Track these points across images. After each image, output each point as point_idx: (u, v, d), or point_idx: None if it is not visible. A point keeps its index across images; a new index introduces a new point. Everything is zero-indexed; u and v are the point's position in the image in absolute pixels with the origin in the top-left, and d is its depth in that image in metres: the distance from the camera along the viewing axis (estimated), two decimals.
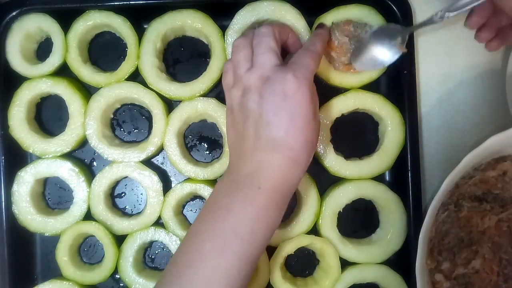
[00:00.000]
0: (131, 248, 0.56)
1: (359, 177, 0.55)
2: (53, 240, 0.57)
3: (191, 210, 0.59)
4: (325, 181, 0.58)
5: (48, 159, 0.56)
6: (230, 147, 0.47)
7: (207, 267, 0.41)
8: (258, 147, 0.43)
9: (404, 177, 0.54)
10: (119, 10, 0.55)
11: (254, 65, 0.45)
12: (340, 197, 0.55)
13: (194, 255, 0.42)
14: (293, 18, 0.55)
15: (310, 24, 0.55)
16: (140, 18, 0.58)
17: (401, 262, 0.55)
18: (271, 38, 0.46)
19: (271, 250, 0.55)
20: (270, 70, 0.44)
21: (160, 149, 0.57)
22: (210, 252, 0.41)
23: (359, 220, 0.59)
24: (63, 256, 0.56)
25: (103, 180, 0.56)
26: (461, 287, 0.50)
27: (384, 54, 0.51)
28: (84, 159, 0.59)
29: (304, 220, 0.55)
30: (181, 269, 0.42)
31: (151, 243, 0.59)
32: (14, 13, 0.55)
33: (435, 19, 0.47)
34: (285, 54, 0.52)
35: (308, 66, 0.45)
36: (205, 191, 0.56)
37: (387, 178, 0.59)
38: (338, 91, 0.56)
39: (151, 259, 0.59)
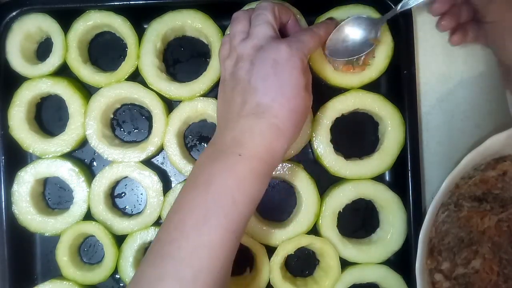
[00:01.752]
0: (131, 248, 0.56)
1: (359, 177, 0.55)
2: (53, 240, 0.57)
3: None
4: (325, 181, 0.58)
5: (48, 159, 0.56)
6: (218, 118, 0.47)
7: (190, 243, 0.40)
8: (242, 113, 0.43)
9: (404, 177, 0.54)
10: (119, 10, 0.55)
11: (250, 36, 0.45)
12: (340, 197, 0.55)
13: (176, 232, 0.41)
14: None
15: (310, 24, 0.55)
16: (140, 18, 0.58)
17: (401, 262, 0.55)
18: (269, 12, 0.46)
19: (271, 250, 0.55)
20: (264, 40, 0.44)
21: (160, 149, 0.57)
22: (192, 227, 0.40)
23: (359, 220, 0.59)
24: (63, 256, 0.56)
25: (103, 180, 0.56)
26: (461, 287, 0.50)
27: (357, 44, 0.52)
28: (84, 159, 0.59)
29: (304, 220, 0.55)
30: (164, 246, 0.41)
31: (151, 243, 0.59)
32: (14, 13, 0.55)
33: (397, 9, 0.50)
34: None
35: (306, 42, 0.45)
36: None
37: (387, 178, 0.59)
38: (338, 91, 0.56)
39: None
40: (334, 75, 0.55)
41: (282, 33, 0.50)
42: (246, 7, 0.54)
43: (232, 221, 0.41)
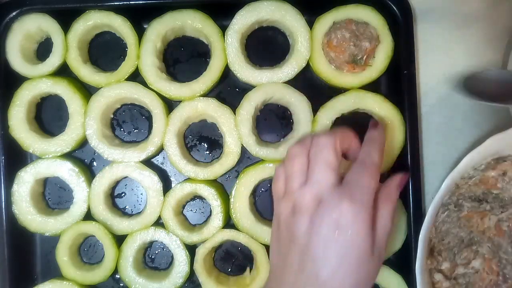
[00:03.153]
0: (131, 248, 0.56)
1: None
2: (53, 240, 0.57)
3: (191, 210, 0.59)
4: None
5: (48, 159, 0.56)
6: (271, 259, 0.44)
7: None
8: (299, 282, 0.39)
9: None
10: (119, 10, 0.55)
11: (309, 181, 0.41)
12: None
13: None
14: (293, 18, 0.55)
15: (310, 24, 0.55)
16: (140, 18, 0.58)
17: (401, 262, 0.55)
18: (330, 151, 0.41)
19: None
20: (325, 191, 0.40)
21: (160, 149, 0.57)
22: None
23: None
24: (63, 256, 0.56)
25: (103, 180, 0.56)
26: (461, 287, 0.50)
27: None
28: (84, 159, 0.59)
29: None
30: None
31: (151, 243, 0.59)
32: (14, 13, 0.55)
33: None
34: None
35: (367, 186, 0.40)
36: (205, 191, 0.56)
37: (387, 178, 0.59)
38: (338, 91, 0.56)
39: (151, 259, 0.59)
40: (334, 75, 0.55)
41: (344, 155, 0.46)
42: (246, 7, 0.55)
43: None
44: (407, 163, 0.54)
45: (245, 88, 0.57)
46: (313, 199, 0.40)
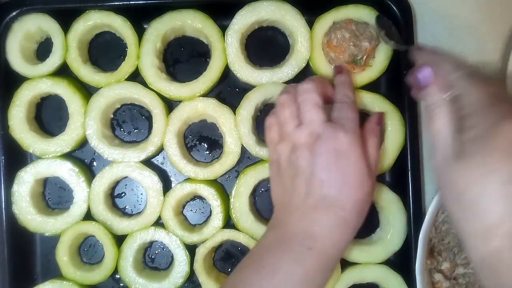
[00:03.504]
0: (131, 248, 0.56)
1: None
2: (53, 240, 0.57)
3: (191, 210, 0.59)
4: None
5: (48, 159, 0.56)
6: (275, 200, 0.47)
7: None
8: (309, 204, 0.43)
9: (404, 177, 0.54)
10: (119, 10, 0.55)
11: (303, 122, 0.45)
12: None
13: None
14: (293, 18, 0.55)
15: (310, 24, 0.55)
16: (140, 18, 0.58)
17: (401, 262, 0.55)
18: (316, 94, 0.46)
19: None
20: (319, 127, 0.44)
21: (160, 149, 0.57)
22: None
23: None
24: (63, 256, 0.56)
25: (103, 180, 0.56)
26: (461, 287, 0.50)
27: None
28: (84, 159, 0.59)
29: None
30: None
31: (151, 243, 0.59)
32: (14, 13, 0.55)
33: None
34: None
35: (353, 118, 0.45)
36: (205, 191, 0.56)
37: (387, 178, 0.59)
38: None
39: (151, 259, 0.59)
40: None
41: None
42: (246, 7, 0.55)
43: None
44: (407, 163, 0.54)
45: (245, 88, 0.57)
46: (310, 136, 0.44)
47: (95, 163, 0.60)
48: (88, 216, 0.56)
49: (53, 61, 0.56)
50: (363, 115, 0.58)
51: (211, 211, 0.56)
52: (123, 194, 0.59)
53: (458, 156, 0.37)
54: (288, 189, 0.45)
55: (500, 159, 0.35)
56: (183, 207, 0.59)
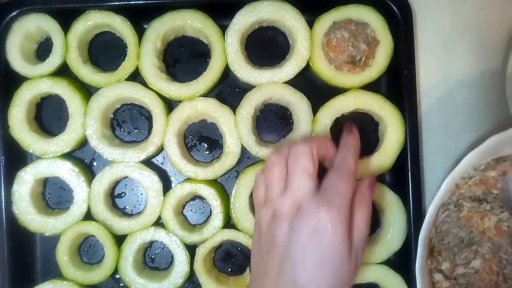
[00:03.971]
0: (131, 248, 0.56)
1: (359, 177, 0.55)
2: (53, 240, 0.57)
3: (191, 210, 0.59)
4: None
5: (48, 159, 0.56)
6: (252, 266, 0.46)
7: None
8: (280, 284, 0.41)
9: (404, 177, 0.54)
10: (119, 10, 0.55)
11: (288, 188, 0.43)
12: None
13: None
14: (293, 18, 0.55)
15: (310, 24, 0.55)
16: (140, 18, 0.58)
17: (401, 262, 0.55)
18: (308, 158, 0.43)
19: None
20: (303, 198, 0.41)
21: (160, 149, 0.57)
22: None
23: None
24: (63, 256, 0.56)
25: (103, 180, 0.56)
26: (461, 287, 0.50)
27: None
28: (84, 159, 0.59)
29: None
30: None
31: (151, 243, 0.59)
32: (14, 13, 0.55)
33: None
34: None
35: (343, 192, 0.42)
36: (205, 191, 0.56)
37: (387, 178, 0.59)
38: (338, 91, 0.56)
39: (151, 259, 0.59)
40: (334, 75, 0.55)
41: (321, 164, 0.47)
42: (246, 7, 0.55)
43: None
44: (407, 163, 0.54)
45: (245, 88, 0.57)
46: (292, 206, 0.42)
47: (95, 163, 0.60)
48: (88, 216, 0.56)
49: (53, 61, 0.56)
50: (363, 115, 0.58)
51: (211, 211, 0.56)
52: (123, 194, 0.59)
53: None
54: (263, 259, 0.43)
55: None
56: (183, 207, 0.59)
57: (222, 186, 0.59)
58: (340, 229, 0.40)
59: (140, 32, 0.56)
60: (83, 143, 0.58)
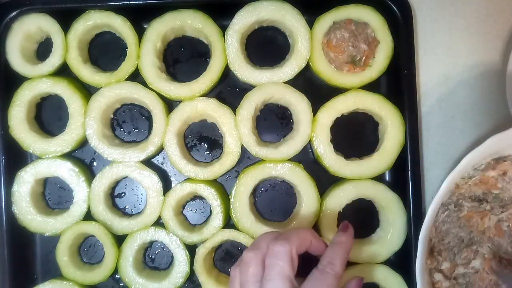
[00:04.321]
0: (131, 248, 0.56)
1: (359, 177, 0.55)
2: (53, 240, 0.57)
3: (191, 210, 0.59)
4: (325, 181, 0.58)
5: (48, 159, 0.56)
6: None
7: None
8: None
9: (404, 177, 0.54)
10: (119, 10, 0.55)
11: None
12: (340, 197, 0.55)
13: None
14: (293, 18, 0.55)
15: (310, 24, 0.55)
16: (140, 18, 0.58)
17: (401, 262, 0.55)
18: (286, 262, 0.41)
19: None
20: None
21: (160, 149, 0.57)
22: None
23: (359, 220, 0.59)
24: (63, 256, 0.56)
25: (103, 180, 0.56)
26: (461, 287, 0.50)
27: None
28: (84, 159, 0.59)
29: (304, 220, 0.55)
30: None
31: (151, 243, 0.59)
32: (14, 13, 0.55)
33: None
34: None
35: None
36: (205, 191, 0.56)
37: (387, 178, 0.59)
38: (338, 91, 0.56)
39: (151, 259, 0.59)
40: (334, 75, 0.55)
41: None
42: (246, 7, 0.55)
43: None
44: (407, 163, 0.54)
45: (245, 88, 0.57)
46: None
47: (95, 163, 0.60)
48: (88, 216, 0.56)
49: (53, 61, 0.56)
50: (363, 115, 0.58)
51: (211, 211, 0.56)
52: (123, 194, 0.59)
53: None
54: None
55: None
56: (183, 207, 0.59)
57: (222, 186, 0.59)
58: None
59: (140, 32, 0.56)
60: (83, 143, 0.58)
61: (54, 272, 0.58)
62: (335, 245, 0.45)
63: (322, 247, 0.46)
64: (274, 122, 0.59)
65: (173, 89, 0.55)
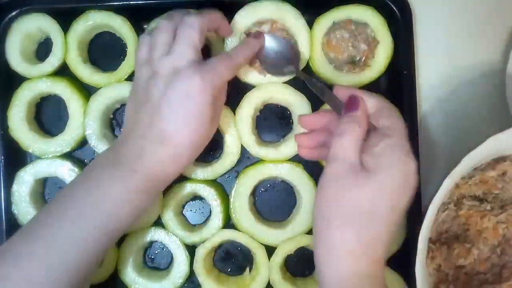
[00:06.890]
0: (131, 248, 0.56)
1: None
2: None
3: (191, 210, 0.59)
4: None
5: (48, 159, 0.56)
6: (125, 118, 0.49)
7: (65, 232, 0.43)
8: (146, 135, 0.45)
9: None
10: (119, 10, 0.55)
11: (170, 53, 0.45)
12: None
13: (55, 218, 0.43)
14: (293, 18, 0.55)
15: (310, 24, 0.55)
16: (140, 18, 0.58)
17: (401, 262, 0.55)
18: (195, 31, 0.46)
19: (271, 250, 0.55)
20: (183, 64, 0.45)
21: None
22: (71, 219, 0.43)
23: None
24: None
25: None
26: (460, 286, 0.50)
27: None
28: (84, 159, 0.59)
29: (304, 220, 0.55)
30: (40, 228, 0.43)
31: (151, 243, 0.59)
32: (14, 13, 0.55)
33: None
34: None
35: (220, 74, 0.46)
36: (205, 191, 0.56)
37: None
38: None
39: (151, 259, 0.59)
40: (334, 75, 0.55)
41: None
42: (246, 7, 0.55)
43: (111, 225, 0.44)
44: None
45: (245, 88, 0.57)
46: (171, 70, 0.45)
47: None
48: None
49: (53, 61, 0.55)
50: None
51: (211, 211, 0.56)
52: None
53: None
54: (137, 111, 0.46)
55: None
56: (183, 207, 0.59)
57: (222, 186, 0.59)
58: (208, 99, 0.45)
59: (140, 32, 0.56)
60: (83, 143, 0.58)
61: None
62: (244, 42, 0.53)
63: (229, 30, 0.53)
64: (274, 122, 0.59)
65: None
